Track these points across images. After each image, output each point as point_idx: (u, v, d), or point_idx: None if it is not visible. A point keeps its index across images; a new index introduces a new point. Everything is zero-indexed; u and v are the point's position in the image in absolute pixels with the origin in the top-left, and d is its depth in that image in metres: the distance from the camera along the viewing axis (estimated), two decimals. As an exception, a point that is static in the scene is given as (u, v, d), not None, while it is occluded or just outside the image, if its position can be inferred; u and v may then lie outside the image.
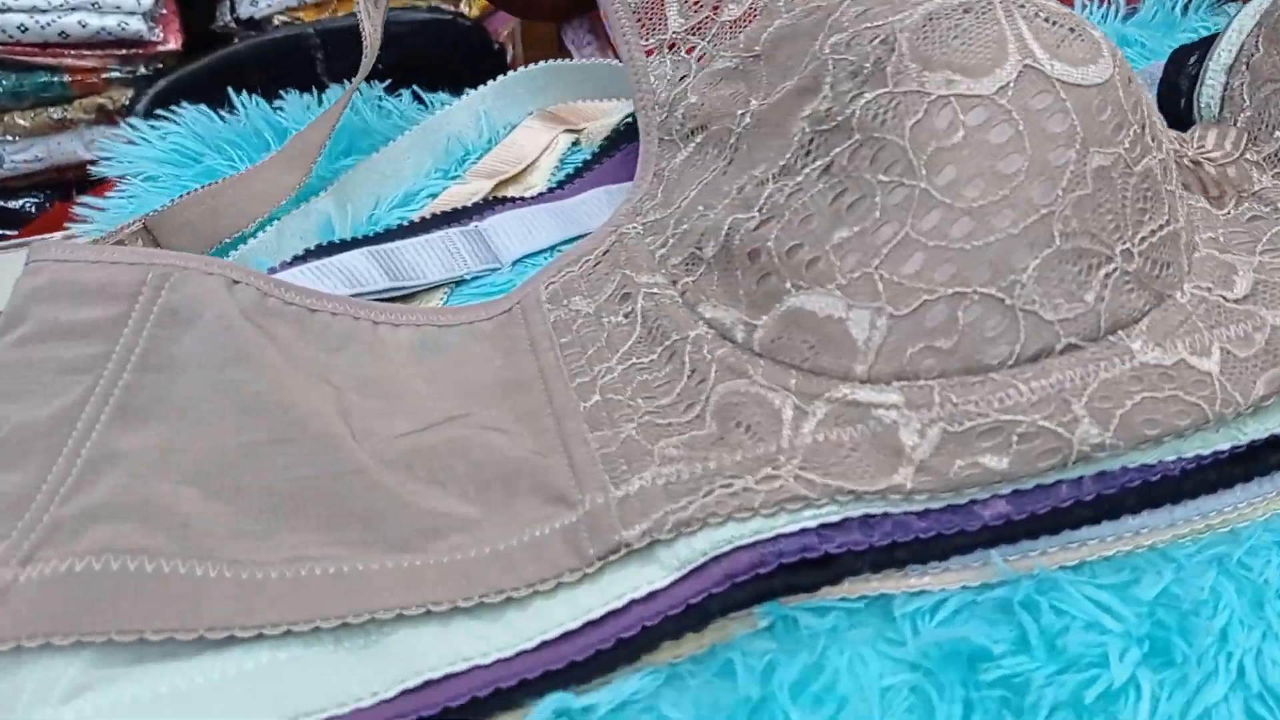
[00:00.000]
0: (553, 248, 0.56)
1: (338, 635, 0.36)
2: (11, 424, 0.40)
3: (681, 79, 0.52)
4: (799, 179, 0.42)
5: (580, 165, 0.61)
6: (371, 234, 0.54)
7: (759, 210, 0.43)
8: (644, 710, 0.35)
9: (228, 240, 0.56)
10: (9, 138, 1.54)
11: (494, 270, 0.54)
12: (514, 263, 0.55)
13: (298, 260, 0.52)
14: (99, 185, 1.36)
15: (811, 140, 0.43)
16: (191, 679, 0.34)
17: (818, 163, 0.42)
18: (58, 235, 0.78)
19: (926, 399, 0.39)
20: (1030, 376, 0.39)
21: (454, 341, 0.47)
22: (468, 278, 0.54)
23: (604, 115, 0.67)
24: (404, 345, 0.47)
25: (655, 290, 0.45)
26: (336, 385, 0.43)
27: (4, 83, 1.45)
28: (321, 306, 0.46)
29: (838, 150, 0.41)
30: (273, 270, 0.51)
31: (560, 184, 0.60)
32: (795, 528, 0.37)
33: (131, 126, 0.61)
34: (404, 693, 0.34)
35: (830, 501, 0.37)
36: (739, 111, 0.48)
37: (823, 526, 0.38)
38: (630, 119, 0.62)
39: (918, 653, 0.36)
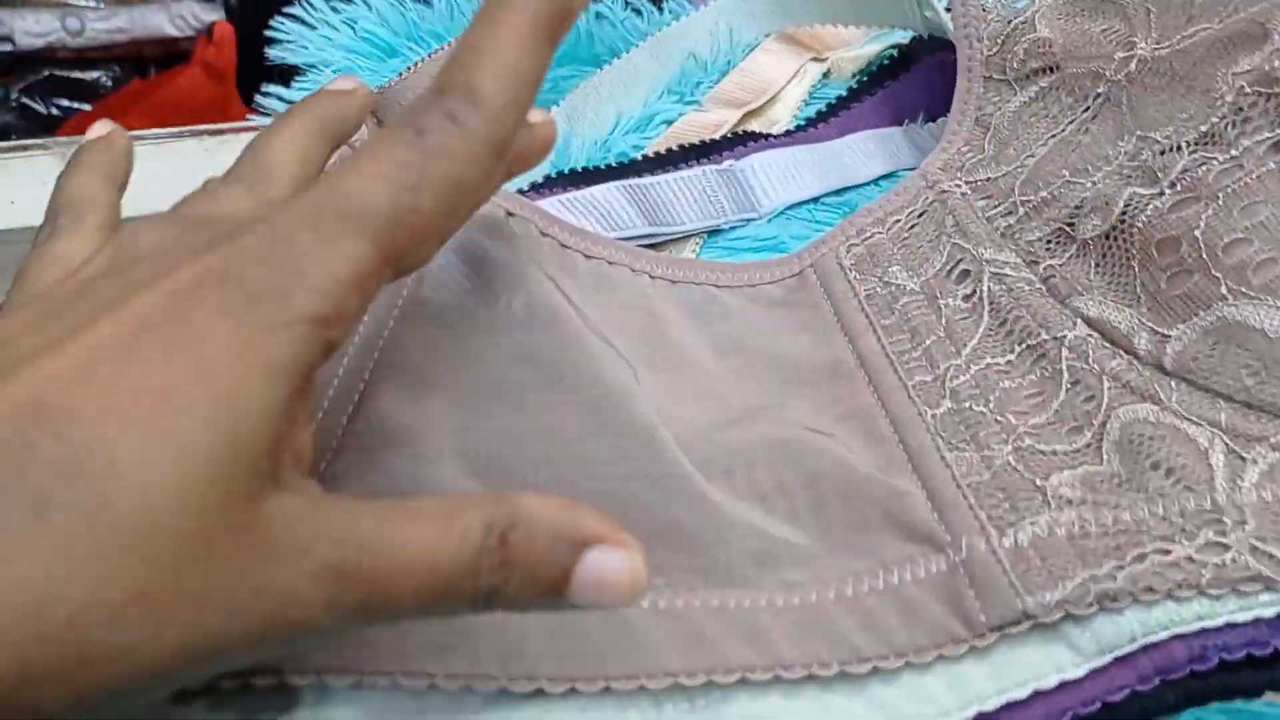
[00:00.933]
0: (816, 200, 0.46)
1: (659, 698, 0.27)
2: None
3: (1022, 6, 0.43)
4: (1234, 153, 0.33)
5: (833, 101, 0.51)
6: (615, 164, 0.45)
7: (1171, 186, 0.34)
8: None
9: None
10: (93, 3, 1.44)
11: (748, 221, 0.45)
12: (772, 214, 0.45)
13: (540, 189, 0.42)
14: (176, 65, 1.26)
15: (1253, 104, 0.33)
16: None
17: (1264, 135, 0.33)
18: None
19: None
20: None
21: (737, 306, 0.39)
22: (724, 227, 0.44)
23: (846, 45, 0.57)
24: (680, 306, 0.38)
25: (1006, 271, 0.36)
26: (623, 355, 0.34)
27: (94, -60, 1.35)
28: (597, 252, 0.37)
29: (1305, 122, 0.32)
30: (522, 192, 0.42)
31: (810, 121, 0.51)
32: (1248, 616, 0.28)
33: (311, 6, 0.52)
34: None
35: (1290, 585, 0.29)
36: (1117, 55, 0.38)
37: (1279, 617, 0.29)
38: (893, 53, 0.52)
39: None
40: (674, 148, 0.47)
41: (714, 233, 0.45)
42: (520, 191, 0.43)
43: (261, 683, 0.25)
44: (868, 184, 0.45)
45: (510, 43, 0.22)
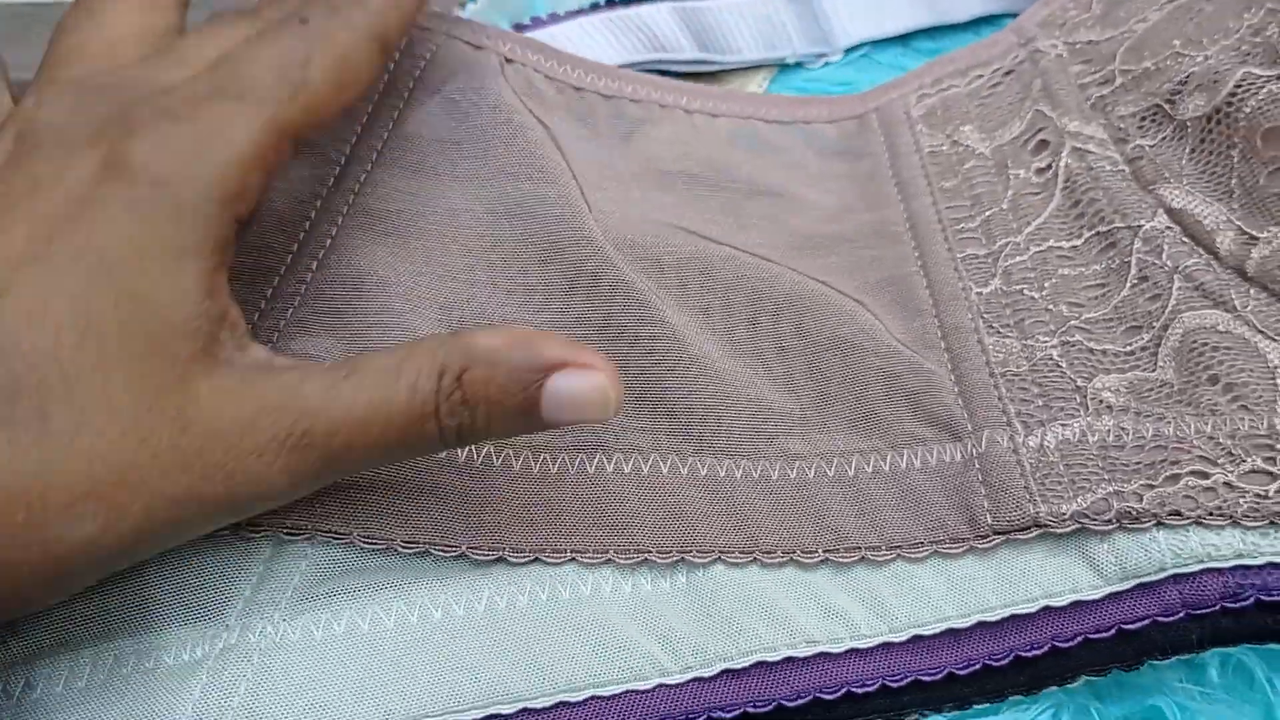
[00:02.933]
0: (905, 40, 0.42)
1: (638, 571, 0.26)
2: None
3: None
4: (1375, 38, 0.29)
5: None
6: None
7: (1292, 69, 0.29)
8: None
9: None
10: None
11: (821, 57, 0.41)
12: (849, 50, 0.41)
13: (576, 14, 0.39)
14: None
15: None
16: (432, 613, 0.25)
17: None
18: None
19: None
20: None
21: (786, 145, 0.35)
22: (791, 62, 0.41)
23: None
24: (725, 138, 0.35)
25: (1090, 147, 0.32)
26: (642, 192, 0.32)
27: None
28: (619, 91, 0.34)
29: None
30: (554, 17, 0.38)
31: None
32: (1291, 556, 0.26)
33: None
34: (725, 674, 0.25)
35: (1342, 526, 0.26)
36: (1263, -90, 0.33)
37: (1324, 558, 0.26)
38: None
39: None
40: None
41: (785, 70, 0.41)
42: (567, 12, 0.39)
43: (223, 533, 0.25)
44: (965, 32, 0.41)
45: None
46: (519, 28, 0.38)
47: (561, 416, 0.22)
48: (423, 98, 0.32)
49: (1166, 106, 0.32)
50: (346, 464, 0.21)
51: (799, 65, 0.40)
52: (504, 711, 0.24)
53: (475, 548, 0.25)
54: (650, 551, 0.26)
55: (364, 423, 0.21)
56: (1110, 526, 0.26)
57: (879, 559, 0.26)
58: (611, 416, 0.22)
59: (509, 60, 0.34)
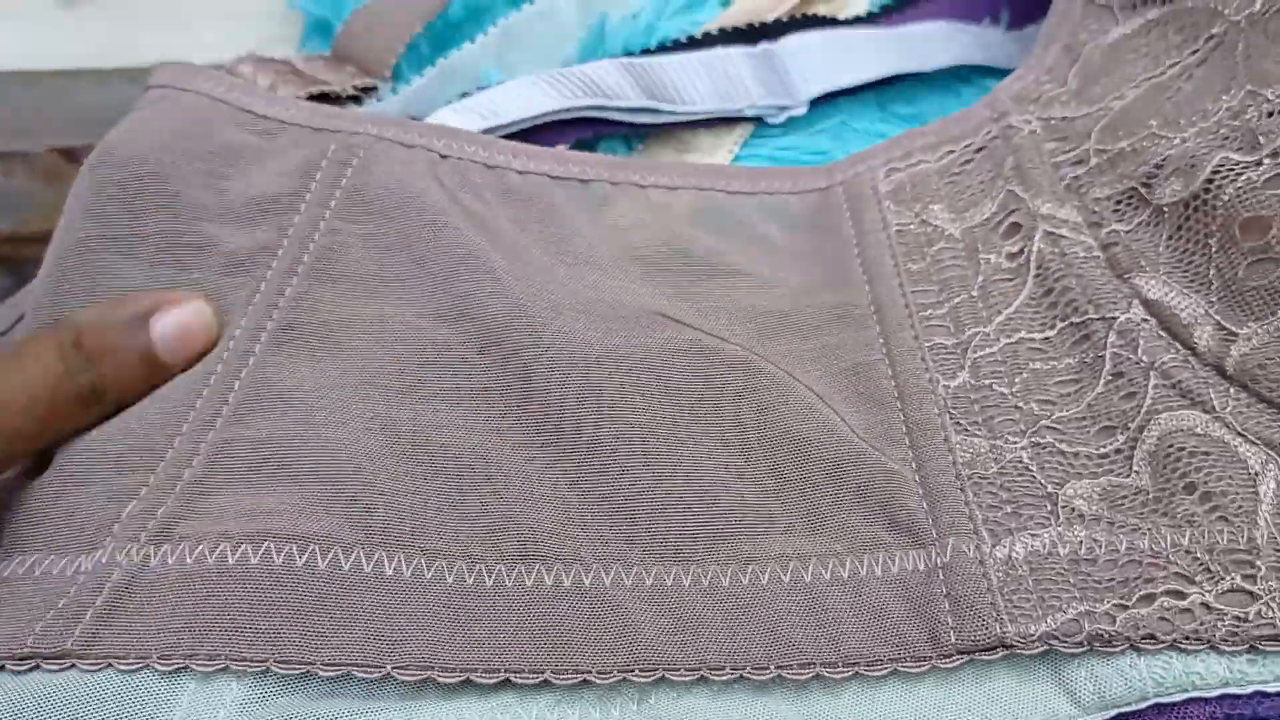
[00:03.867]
0: (881, 104, 0.41)
1: (575, 692, 0.24)
2: None
3: (1140, -83, 0.36)
4: (1359, 128, 0.27)
5: (911, -10, 0.45)
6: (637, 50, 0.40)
7: (1272, 156, 0.28)
8: None
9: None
10: None
11: (783, 109, 0.39)
12: (822, 115, 0.40)
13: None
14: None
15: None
16: None
17: (1399, 110, 0.27)
18: None
19: None
20: None
21: (747, 218, 0.34)
22: (749, 114, 0.39)
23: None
24: (684, 214, 0.34)
25: (1063, 231, 0.31)
26: (599, 274, 0.31)
27: None
28: (567, 172, 0.33)
29: None
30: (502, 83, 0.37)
31: (885, 9, 0.44)
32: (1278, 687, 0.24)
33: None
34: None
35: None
36: (1239, -10, 0.32)
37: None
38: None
39: None
40: (713, 31, 0.41)
41: (757, 137, 0.40)
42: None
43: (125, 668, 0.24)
44: (944, 94, 0.40)
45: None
46: (464, 96, 0.37)
47: (174, 349, 0.27)
48: (349, 205, 0.31)
49: (1143, 190, 0.31)
50: (7, 438, 0.25)
51: (764, 133, 0.39)
52: None
53: (400, 667, 0.24)
54: (590, 672, 0.24)
55: (8, 399, 0.25)
56: (1081, 649, 0.24)
57: (835, 676, 0.24)
58: (216, 336, 0.27)
59: (444, 156, 0.32)
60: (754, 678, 0.24)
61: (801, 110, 0.40)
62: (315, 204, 0.31)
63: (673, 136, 0.38)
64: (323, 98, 0.35)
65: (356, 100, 0.36)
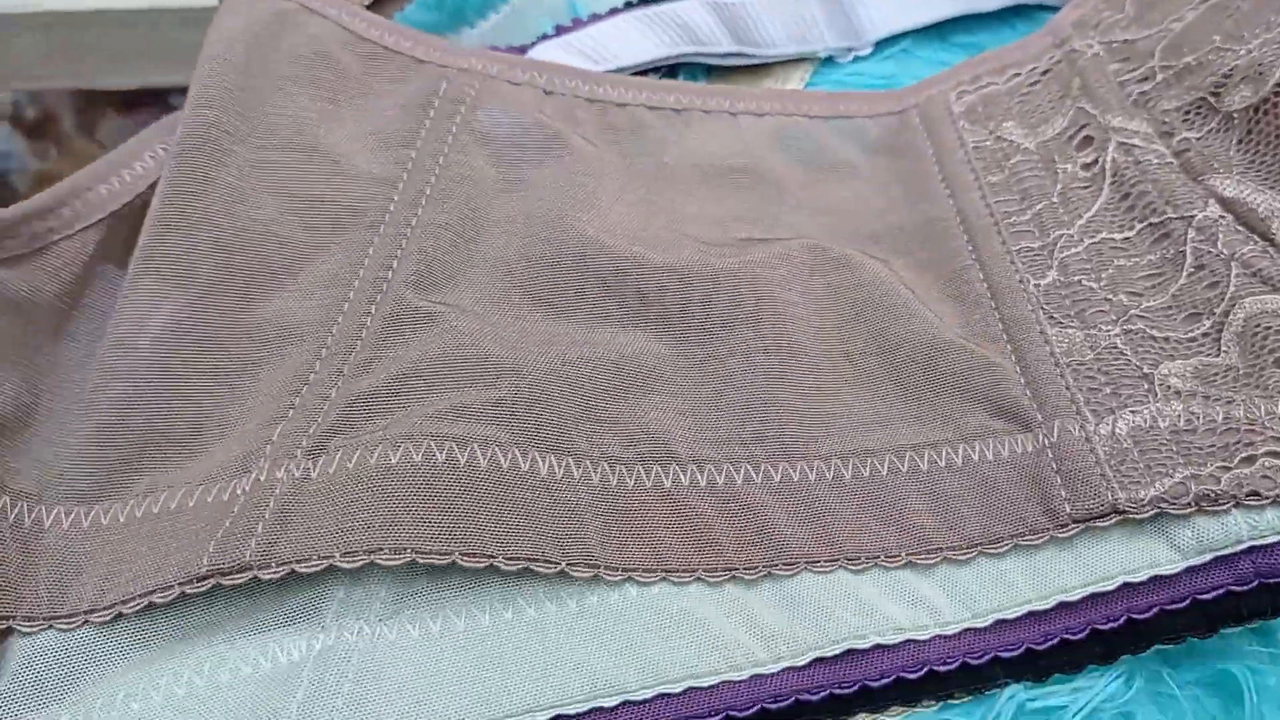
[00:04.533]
0: (941, 34, 0.42)
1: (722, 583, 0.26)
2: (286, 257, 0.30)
3: None
4: None
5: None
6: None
7: (1337, 61, 0.30)
8: (1118, 721, 0.25)
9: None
10: None
11: (850, 50, 0.41)
12: (886, 45, 0.42)
13: (615, 11, 0.39)
14: None
15: None
16: (527, 610, 0.25)
17: None
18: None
19: None
20: None
21: (828, 143, 0.36)
22: (822, 56, 0.41)
23: None
24: (773, 139, 0.35)
25: (1135, 141, 0.33)
26: (700, 202, 0.32)
27: None
28: (662, 101, 0.35)
29: None
30: (595, 17, 0.39)
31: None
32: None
33: None
34: (817, 661, 0.25)
35: None
36: (1297, -92, 0.34)
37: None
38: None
39: None
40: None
41: (826, 64, 0.41)
42: (593, 15, 0.39)
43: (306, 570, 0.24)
44: (1001, 26, 0.41)
45: None
46: (560, 29, 0.38)
47: None
48: (466, 140, 0.32)
49: (1211, 99, 0.32)
50: None
51: (832, 61, 0.41)
52: (606, 704, 0.24)
53: (574, 564, 0.25)
54: (737, 568, 0.26)
55: None
56: (1189, 510, 0.26)
57: (961, 558, 0.26)
58: None
59: (548, 92, 0.34)
60: (888, 566, 0.26)
61: (866, 51, 0.41)
62: (433, 139, 0.32)
63: (747, 67, 0.40)
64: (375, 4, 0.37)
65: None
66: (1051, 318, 0.30)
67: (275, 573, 0.24)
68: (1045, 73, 0.36)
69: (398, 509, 0.25)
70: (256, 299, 0.29)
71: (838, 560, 0.26)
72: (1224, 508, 0.26)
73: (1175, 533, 0.26)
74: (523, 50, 0.37)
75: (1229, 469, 0.26)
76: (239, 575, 0.24)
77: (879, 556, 0.26)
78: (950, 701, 0.26)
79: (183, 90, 0.31)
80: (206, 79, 0.30)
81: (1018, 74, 0.37)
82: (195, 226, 0.29)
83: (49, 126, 0.73)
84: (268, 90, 0.31)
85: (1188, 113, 0.33)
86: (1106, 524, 0.26)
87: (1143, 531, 0.26)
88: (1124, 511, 0.26)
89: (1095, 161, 0.33)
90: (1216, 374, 0.28)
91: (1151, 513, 0.26)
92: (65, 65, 0.49)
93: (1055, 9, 0.41)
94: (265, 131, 0.31)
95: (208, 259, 0.29)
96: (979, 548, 0.26)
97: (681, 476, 0.27)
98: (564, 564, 0.25)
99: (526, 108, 0.33)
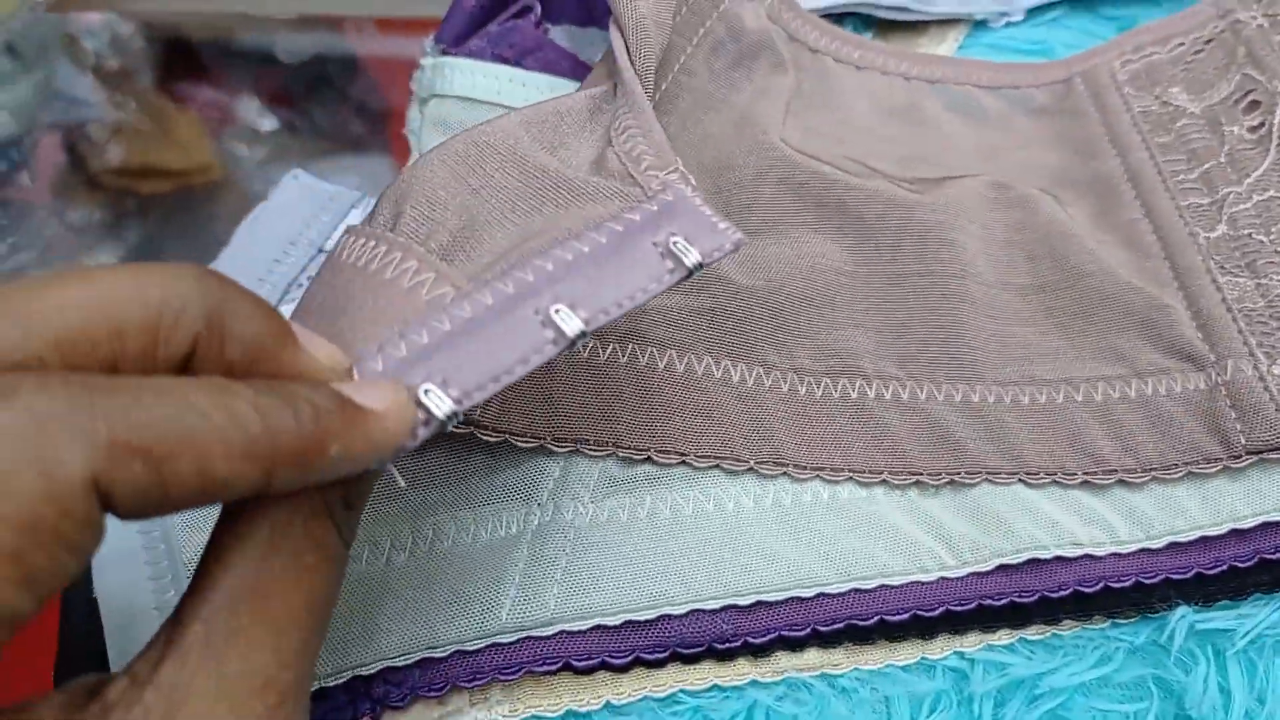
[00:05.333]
0: (1091, 6, 0.43)
1: (906, 487, 0.28)
2: None
3: None
4: None
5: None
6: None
7: None
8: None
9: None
10: None
11: (1003, 16, 0.42)
12: (1030, 11, 0.43)
13: None
14: None
15: None
16: (726, 504, 0.27)
17: None
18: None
19: None
20: None
21: (996, 109, 0.37)
22: (979, 18, 0.42)
23: None
24: (938, 106, 0.37)
25: (1304, 105, 0.34)
26: (885, 142, 0.34)
27: None
28: (847, 56, 0.36)
29: None
30: None
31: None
32: None
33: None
34: (1000, 569, 0.26)
35: None
36: None
37: None
38: None
39: None
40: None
41: (978, 27, 0.42)
42: None
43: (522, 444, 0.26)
44: (1150, 2, 0.42)
45: None
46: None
47: None
48: (708, 46, 0.34)
49: (1383, 67, 0.33)
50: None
51: (985, 25, 0.42)
52: (803, 595, 0.25)
53: (762, 462, 0.27)
54: (922, 474, 0.27)
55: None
56: (1361, 447, 0.27)
57: (1136, 481, 0.27)
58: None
59: (771, 20, 0.36)
60: (1065, 483, 0.27)
61: (1019, 17, 0.42)
62: (682, 34, 0.33)
63: (904, 24, 0.41)
64: None
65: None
66: (1222, 267, 0.31)
67: (493, 437, 0.26)
68: (1209, 41, 0.37)
69: (603, 403, 0.27)
70: None
71: (1017, 474, 0.27)
72: (1395, 447, 0.27)
73: None
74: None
75: (1403, 408, 0.27)
76: (462, 428, 0.26)
77: (1056, 474, 0.27)
78: (1119, 620, 0.27)
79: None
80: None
81: (1181, 43, 0.37)
82: None
83: (129, 80, 0.73)
84: None
85: (1358, 80, 0.33)
86: (1277, 455, 0.27)
87: None
88: None
89: (1262, 124, 0.34)
90: (1389, 325, 0.29)
91: None
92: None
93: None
94: None
95: None
96: (1153, 472, 0.27)
97: (868, 390, 0.28)
98: (752, 462, 0.27)
99: (763, 25, 0.34)
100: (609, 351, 0.27)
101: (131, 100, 0.73)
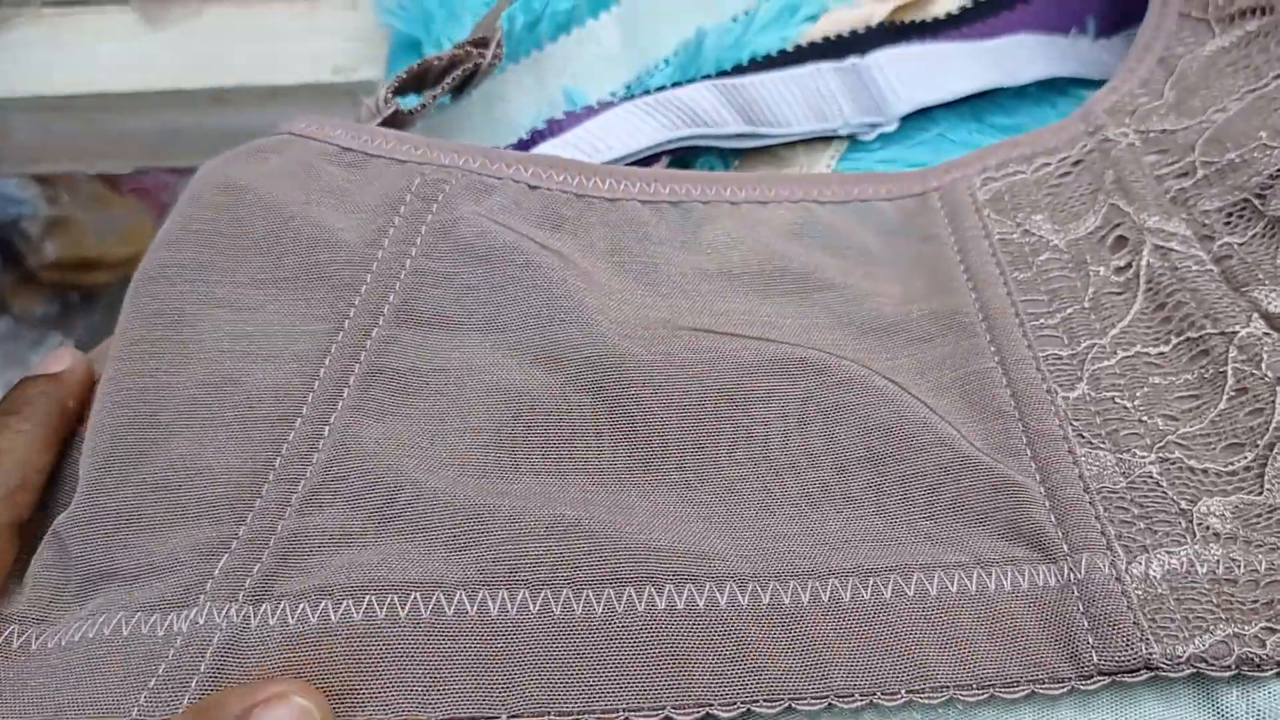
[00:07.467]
0: (978, 115, 0.40)
1: None
2: (219, 377, 0.27)
3: (1237, -69, 0.36)
4: None
5: (995, -2, 0.44)
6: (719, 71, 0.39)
7: (1396, 171, 0.28)
8: None
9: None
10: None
11: (875, 127, 0.39)
12: (908, 116, 0.39)
13: (617, 102, 0.37)
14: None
15: None
16: None
17: None
18: None
19: None
20: None
21: (844, 227, 0.33)
22: (843, 133, 0.39)
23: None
24: (780, 228, 0.33)
25: (1173, 245, 0.30)
26: (695, 299, 0.30)
27: None
28: (657, 194, 0.32)
29: None
30: (589, 110, 0.37)
31: (964, 14, 0.43)
32: None
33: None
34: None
35: None
36: (1350, 2, 0.32)
37: None
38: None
39: None
40: (801, 45, 0.41)
41: (856, 148, 0.39)
42: (600, 103, 0.37)
43: None
44: (1039, 105, 0.39)
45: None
46: (554, 124, 0.36)
47: None
48: (436, 244, 0.30)
49: (1256, 201, 0.30)
50: None
51: (863, 145, 0.38)
52: None
53: (515, 715, 0.23)
54: (712, 705, 0.23)
55: None
56: (1229, 673, 0.23)
57: (970, 699, 0.23)
58: None
59: (533, 187, 0.31)
60: (884, 703, 0.23)
61: (893, 127, 0.39)
62: (400, 241, 0.30)
63: (768, 152, 0.38)
64: (394, 119, 0.34)
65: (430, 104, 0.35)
66: (1081, 436, 0.27)
67: None
68: (1077, 163, 0.34)
69: (332, 674, 0.23)
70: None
71: (825, 698, 0.23)
72: (1268, 674, 0.23)
73: (1229, 704, 0.23)
74: (521, 147, 0.35)
75: (1275, 630, 0.24)
76: None
77: (874, 694, 0.23)
78: None
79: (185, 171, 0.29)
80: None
81: (1047, 163, 0.34)
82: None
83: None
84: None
85: (1230, 215, 0.31)
86: (1135, 680, 0.24)
87: (1180, 697, 0.24)
88: (1157, 667, 0.23)
89: (1129, 265, 0.31)
90: (1259, 515, 0.26)
91: (1187, 672, 0.23)
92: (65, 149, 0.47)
93: (1098, 84, 0.38)
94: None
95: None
96: (990, 689, 0.24)
97: (657, 598, 0.24)
98: (504, 715, 0.23)
99: (505, 207, 0.31)
100: (320, 609, 0.23)
101: (64, 194, 0.70)
